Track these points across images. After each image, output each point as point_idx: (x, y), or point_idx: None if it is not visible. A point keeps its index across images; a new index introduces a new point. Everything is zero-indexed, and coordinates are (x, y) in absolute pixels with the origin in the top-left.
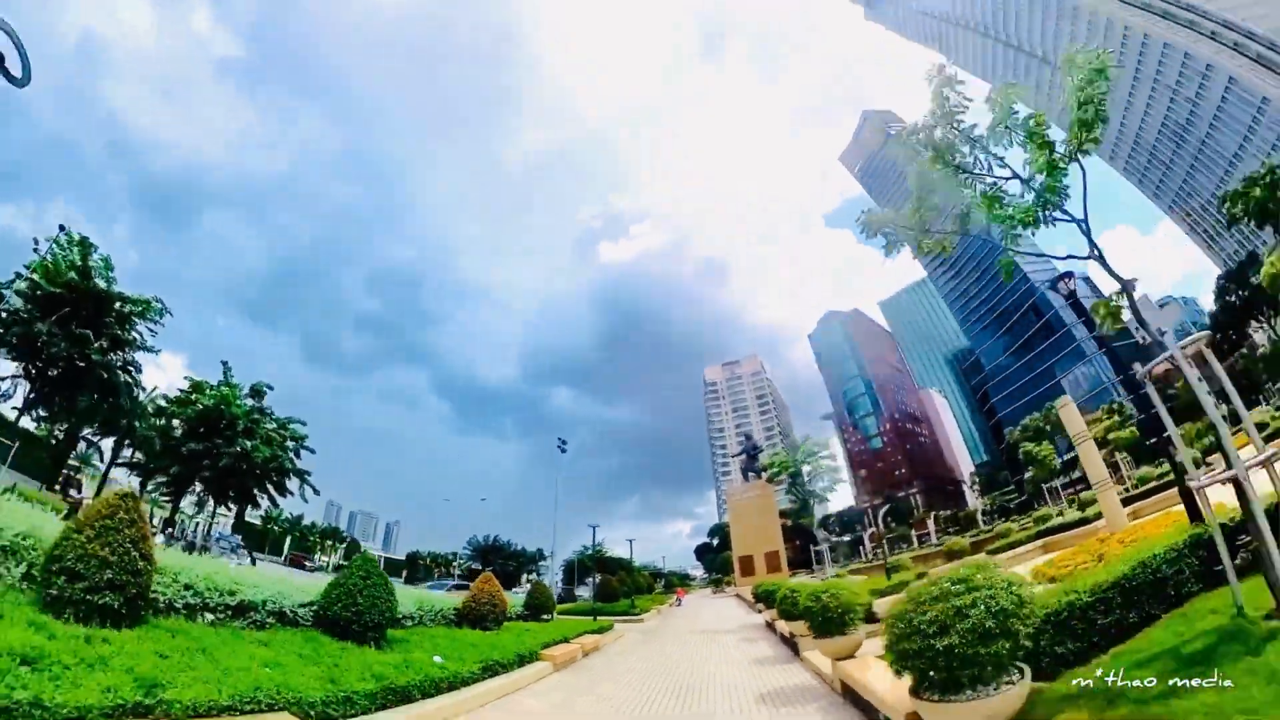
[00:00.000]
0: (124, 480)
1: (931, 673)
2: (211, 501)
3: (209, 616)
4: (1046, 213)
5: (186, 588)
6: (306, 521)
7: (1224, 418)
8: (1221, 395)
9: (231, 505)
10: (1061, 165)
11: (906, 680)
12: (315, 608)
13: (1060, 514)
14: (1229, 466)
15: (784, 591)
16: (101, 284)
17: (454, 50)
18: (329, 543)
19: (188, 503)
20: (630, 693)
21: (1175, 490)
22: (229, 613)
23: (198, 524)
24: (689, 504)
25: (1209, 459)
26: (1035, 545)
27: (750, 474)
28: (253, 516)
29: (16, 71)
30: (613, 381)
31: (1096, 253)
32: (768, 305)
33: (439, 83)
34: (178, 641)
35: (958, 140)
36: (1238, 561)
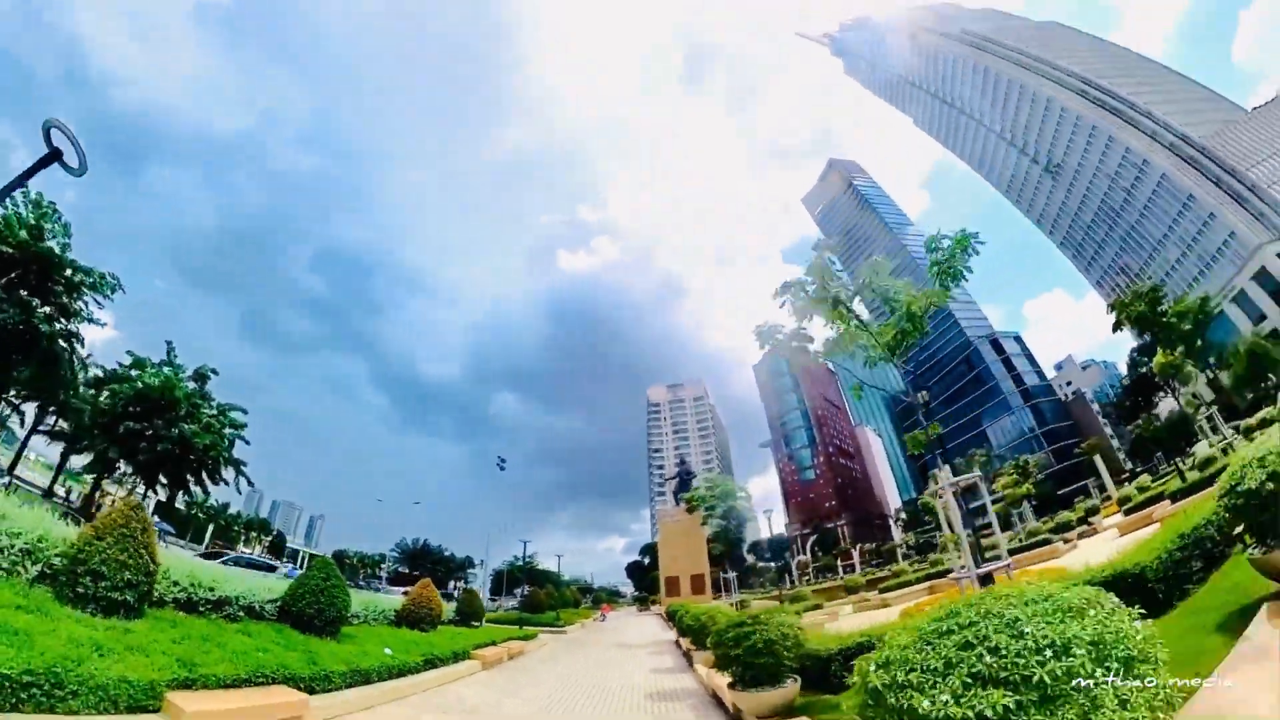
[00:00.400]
0: (43, 449)
1: (739, 672)
2: (141, 484)
3: (197, 609)
4: (905, 343)
5: (175, 584)
6: (232, 510)
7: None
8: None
9: (160, 489)
10: (913, 326)
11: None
12: (280, 603)
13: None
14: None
15: (685, 613)
16: (55, 248)
17: (440, 38)
18: (254, 534)
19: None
20: (545, 689)
21: (1045, 548)
22: (210, 606)
23: (116, 502)
24: (624, 520)
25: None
26: (922, 587)
27: (681, 498)
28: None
29: (74, 163)
30: (558, 391)
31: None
32: (718, 330)
33: (420, 67)
34: (179, 630)
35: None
36: None
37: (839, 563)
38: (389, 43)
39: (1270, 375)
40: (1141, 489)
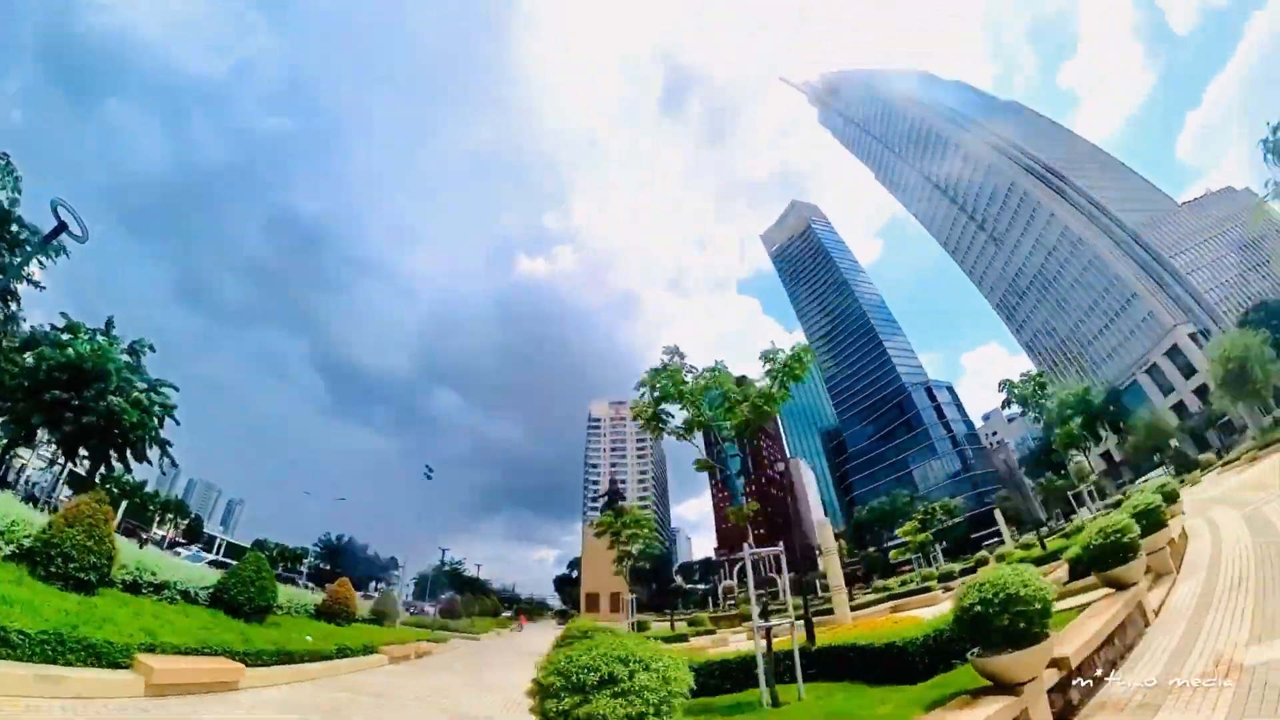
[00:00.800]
0: None
1: None
2: (61, 455)
3: (140, 591)
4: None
5: (123, 568)
6: (149, 488)
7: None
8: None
9: (79, 462)
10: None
11: None
12: (213, 591)
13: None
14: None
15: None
16: (3, 201)
17: (432, 22)
18: (170, 516)
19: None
20: (438, 681)
21: (925, 594)
22: (152, 589)
23: (26, 471)
24: (556, 533)
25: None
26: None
27: (596, 521)
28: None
29: (77, 231)
30: (501, 395)
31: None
32: (657, 351)
33: (406, 48)
34: (130, 608)
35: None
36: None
37: (765, 590)
38: (380, 17)
39: (1165, 444)
40: (1026, 546)
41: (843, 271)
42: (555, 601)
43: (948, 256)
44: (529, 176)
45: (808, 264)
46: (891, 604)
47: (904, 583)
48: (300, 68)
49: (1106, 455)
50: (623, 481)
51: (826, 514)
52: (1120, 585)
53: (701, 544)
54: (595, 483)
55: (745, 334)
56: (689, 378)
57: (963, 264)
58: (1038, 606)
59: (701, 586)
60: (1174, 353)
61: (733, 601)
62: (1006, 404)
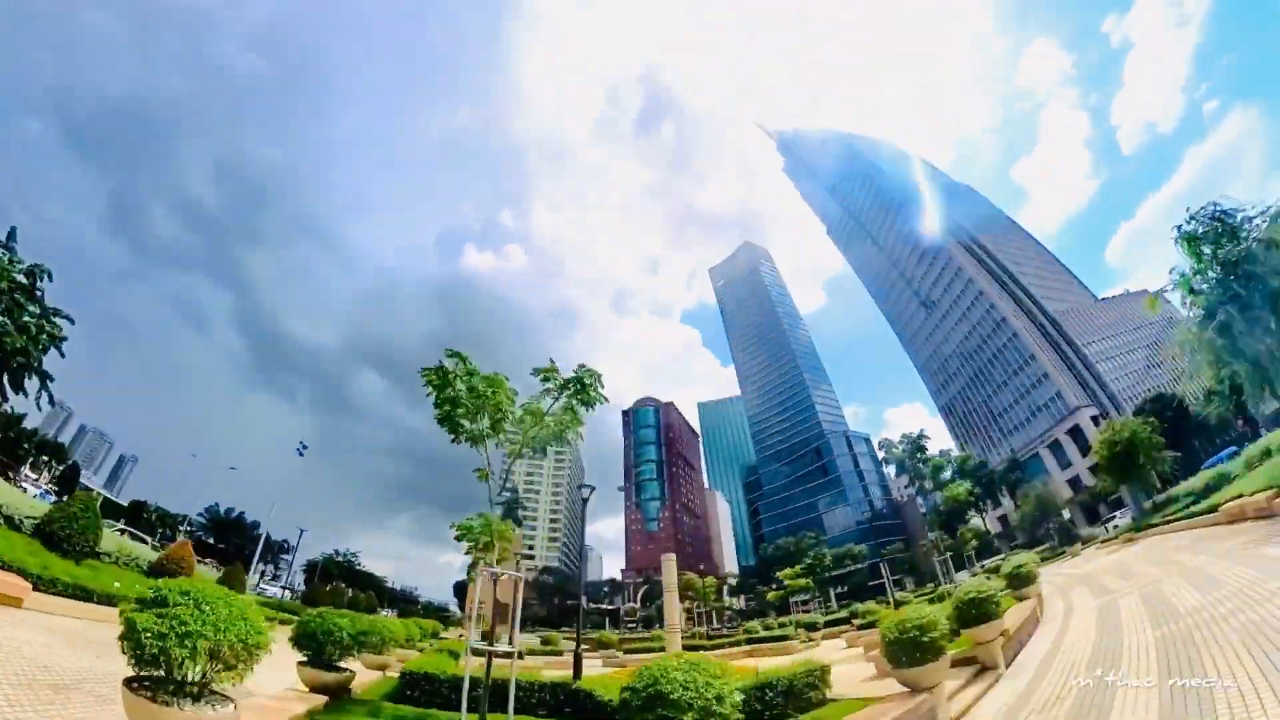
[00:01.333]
0: None
1: None
2: None
3: None
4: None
5: None
6: (30, 424)
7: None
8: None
9: None
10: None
11: None
12: (38, 522)
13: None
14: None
15: None
16: None
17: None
18: (45, 459)
19: None
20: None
21: (779, 643)
22: None
23: None
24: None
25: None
26: (648, 657)
27: (509, 518)
28: None
29: None
30: (426, 387)
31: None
32: (602, 369)
33: (402, 18)
34: None
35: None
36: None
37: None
38: None
39: (1055, 514)
40: (900, 603)
41: (781, 317)
42: (456, 608)
43: (883, 318)
44: (494, 170)
45: (749, 305)
46: (749, 648)
47: (770, 627)
48: (289, 13)
49: (1004, 519)
50: (536, 492)
51: (739, 549)
52: (915, 687)
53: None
54: (507, 488)
55: (680, 362)
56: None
57: (895, 324)
58: (938, 634)
59: (605, 606)
60: (1075, 432)
61: (632, 624)
62: (885, 462)
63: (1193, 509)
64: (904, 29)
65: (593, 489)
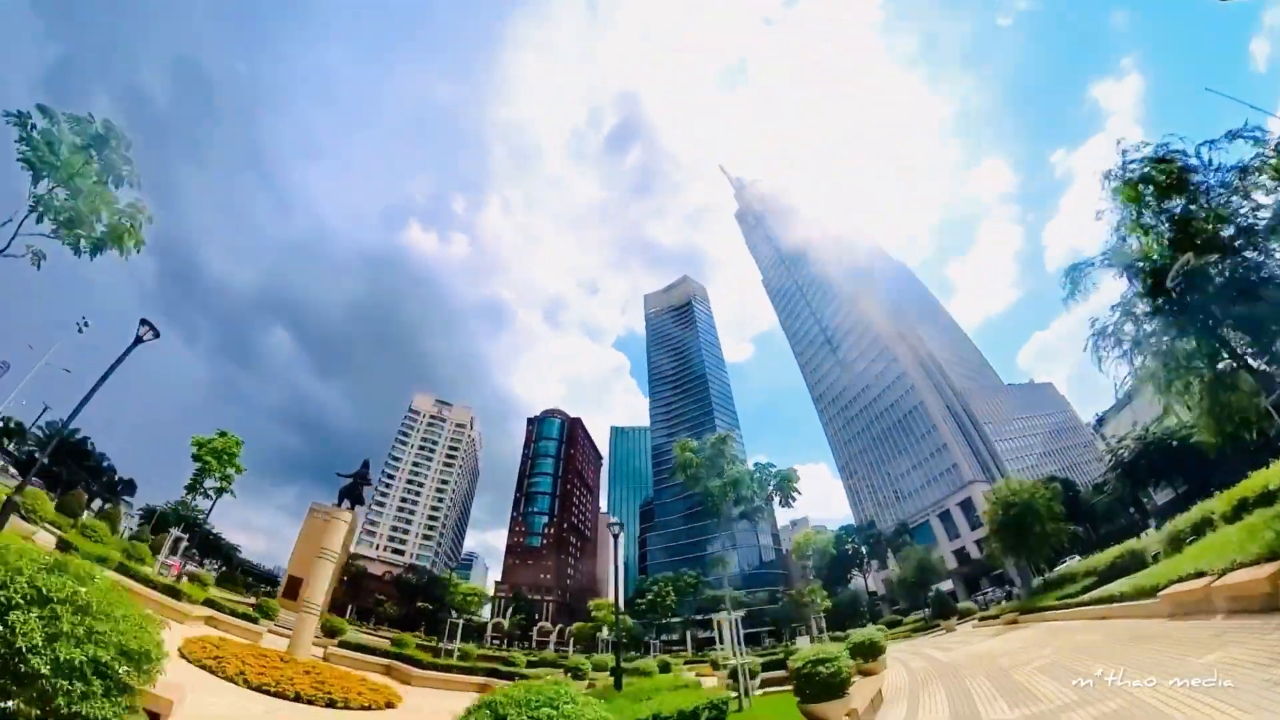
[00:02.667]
0: None
1: None
2: None
3: None
4: None
5: None
6: None
7: None
8: None
9: None
10: None
11: None
12: None
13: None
14: None
15: None
16: None
17: None
18: None
19: None
20: None
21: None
22: None
23: None
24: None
25: None
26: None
27: (347, 501)
28: None
29: None
30: (339, 358)
31: None
32: (520, 378)
33: None
34: None
35: None
36: None
37: (534, 634)
38: None
39: (934, 582)
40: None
41: (704, 355)
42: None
43: (802, 380)
44: (457, 152)
45: (675, 336)
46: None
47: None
48: None
49: (889, 582)
50: (420, 484)
51: (629, 580)
52: None
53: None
54: (391, 477)
55: (603, 385)
56: None
57: (808, 377)
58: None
59: (474, 618)
60: (967, 505)
61: (497, 640)
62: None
63: (1109, 590)
64: (871, 118)
65: (622, 526)
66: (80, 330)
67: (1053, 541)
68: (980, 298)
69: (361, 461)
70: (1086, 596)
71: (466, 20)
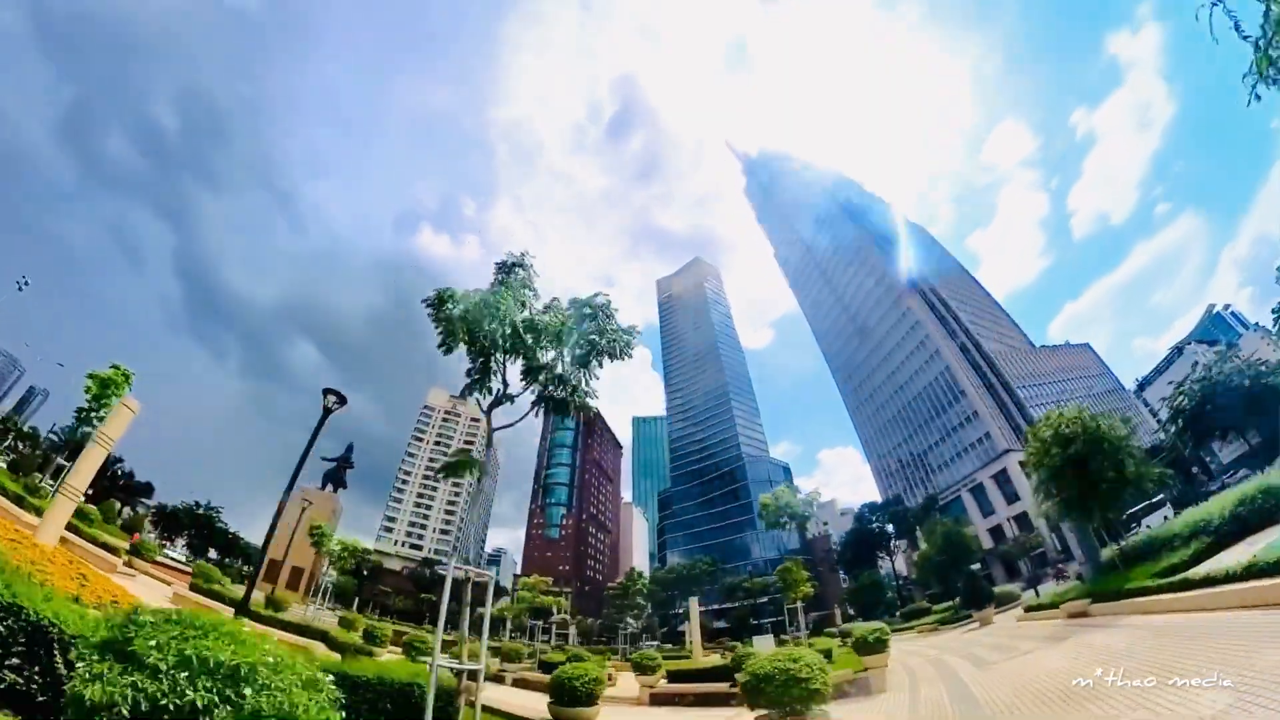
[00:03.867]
0: None
1: None
2: None
3: None
4: None
5: None
6: None
7: None
8: None
9: None
10: None
11: None
12: None
13: None
14: None
15: None
16: None
17: None
18: None
19: None
20: None
21: None
22: None
23: None
24: (373, 520)
25: None
26: None
27: (330, 485)
28: None
29: None
30: (363, 365)
31: None
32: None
33: None
34: None
35: None
36: None
37: (554, 628)
38: None
39: (966, 560)
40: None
41: (718, 336)
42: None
43: (824, 360)
44: (463, 156)
45: (688, 319)
46: None
47: None
48: None
49: (916, 563)
50: (436, 480)
51: (650, 567)
52: None
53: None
54: (407, 473)
55: (625, 378)
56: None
57: (826, 350)
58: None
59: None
60: (1002, 478)
61: (517, 633)
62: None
63: (1247, 559)
64: (880, 88)
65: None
66: (20, 289)
67: (1133, 490)
68: (1006, 270)
69: (346, 445)
70: (1208, 571)
71: (462, 26)
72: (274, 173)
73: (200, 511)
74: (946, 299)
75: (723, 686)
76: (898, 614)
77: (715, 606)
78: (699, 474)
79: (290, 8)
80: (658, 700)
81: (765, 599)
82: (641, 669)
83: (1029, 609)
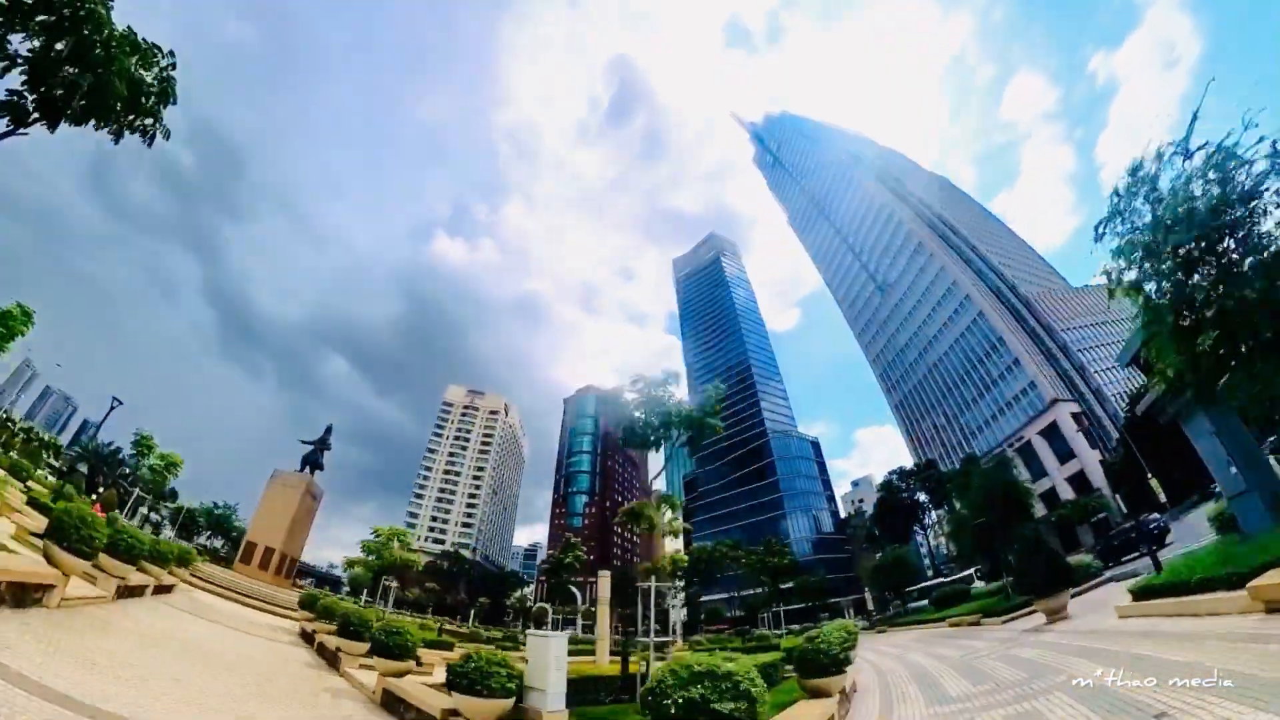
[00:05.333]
0: None
1: None
2: None
3: None
4: None
5: None
6: None
7: None
8: None
9: None
10: None
11: None
12: None
13: None
14: None
15: None
16: None
17: None
18: None
19: None
20: None
21: None
22: None
23: None
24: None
25: None
26: None
27: (309, 467)
28: None
29: None
30: (392, 373)
31: None
32: (568, 369)
33: (396, 3)
34: None
35: None
36: None
37: (579, 619)
38: None
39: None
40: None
41: (736, 307)
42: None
43: (855, 338)
44: (470, 161)
45: (705, 294)
46: None
47: None
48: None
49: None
50: (456, 474)
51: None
52: None
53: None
54: (428, 468)
55: (655, 369)
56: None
57: (848, 312)
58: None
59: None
60: (1052, 433)
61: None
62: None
63: None
64: (886, 49)
65: None
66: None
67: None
68: (1036, 232)
69: (325, 428)
70: None
71: (458, 36)
72: (291, 197)
73: (217, 512)
74: (974, 243)
75: None
76: (931, 597)
77: (737, 593)
78: (724, 453)
79: (287, 37)
80: None
81: (790, 584)
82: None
83: (1141, 592)
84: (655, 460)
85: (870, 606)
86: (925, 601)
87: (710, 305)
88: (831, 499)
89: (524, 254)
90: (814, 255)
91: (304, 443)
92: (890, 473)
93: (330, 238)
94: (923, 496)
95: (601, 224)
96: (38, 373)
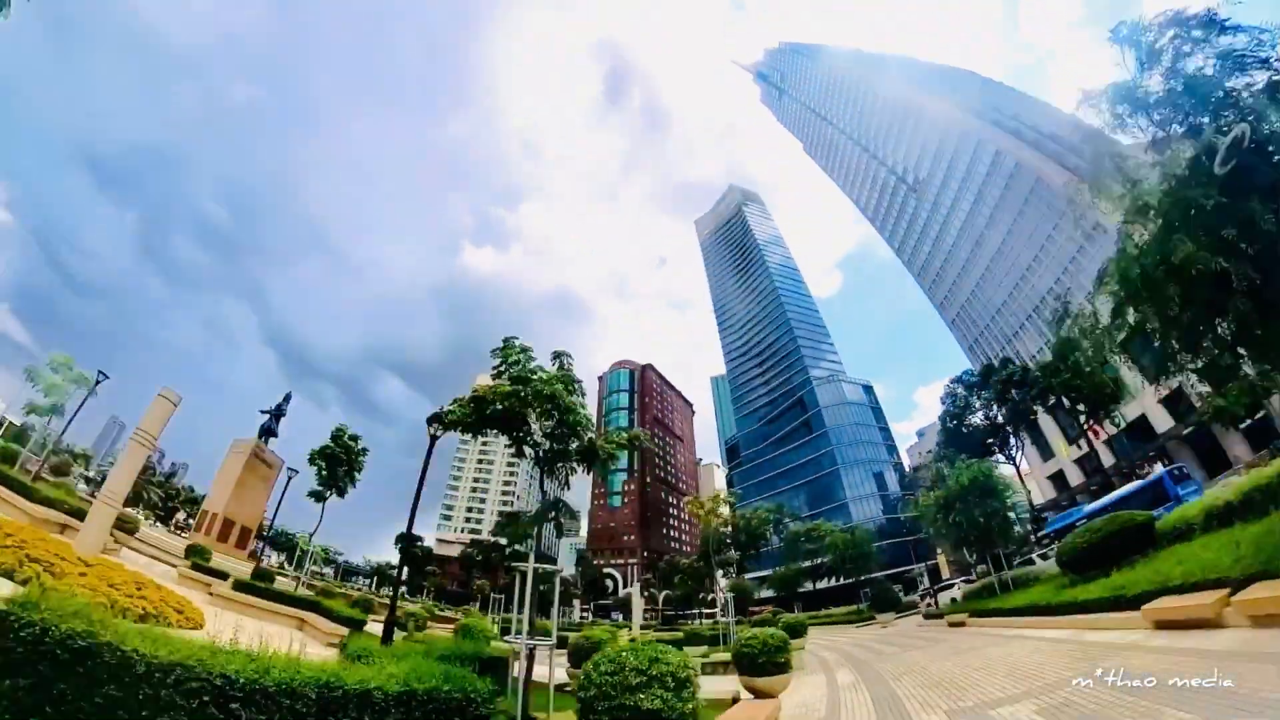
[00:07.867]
0: None
1: None
2: None
3: None
4: None
5: None
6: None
7: None
8: None
9: None
10: None
11: None
12: None
13: None
14: None
15: None
16: None
17: (415, 15)
18: None
19: None
20: None
21: None
22: None
23: None
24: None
25: None
26: None
27: (264, 435)
28: None
29: None
30: (443, 386)
31: None
32: (604, 357)
33: (389, 39)
34: None
35: None
36: None
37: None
38: (369, 7)
39: None
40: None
41: (764, 254)
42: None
43: (907, 297)
44: (485, 170)
45: (730, 249)
46: None
47: None
48: (281, 44)
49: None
50: (490, 464)
51: None
52: None
53: None
54: (462, 460)
55: (700, 350)
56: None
57: (874, 219)
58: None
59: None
60: None
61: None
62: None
63: None
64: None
65: None
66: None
67: None
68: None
69: (283, 395)
70: None
71: (442, 59)
72: (325, 237)
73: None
74: (1016, 112)
75: None
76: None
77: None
78: (764, 410)
79: (291, 86)
80: None
81: (825, 557)
82: None
83: None
84: (700, 429)
85: (945, 575)
86: (1046, 559)
87: (735, 258)
88: (893, 449)
89: (549, 252)
90: (835, 176)
91: (263, 412)
92: (951, 382)
93: (366, 268)
94: (1002, 418)
95: (621, 210)
96: (125, 425)
